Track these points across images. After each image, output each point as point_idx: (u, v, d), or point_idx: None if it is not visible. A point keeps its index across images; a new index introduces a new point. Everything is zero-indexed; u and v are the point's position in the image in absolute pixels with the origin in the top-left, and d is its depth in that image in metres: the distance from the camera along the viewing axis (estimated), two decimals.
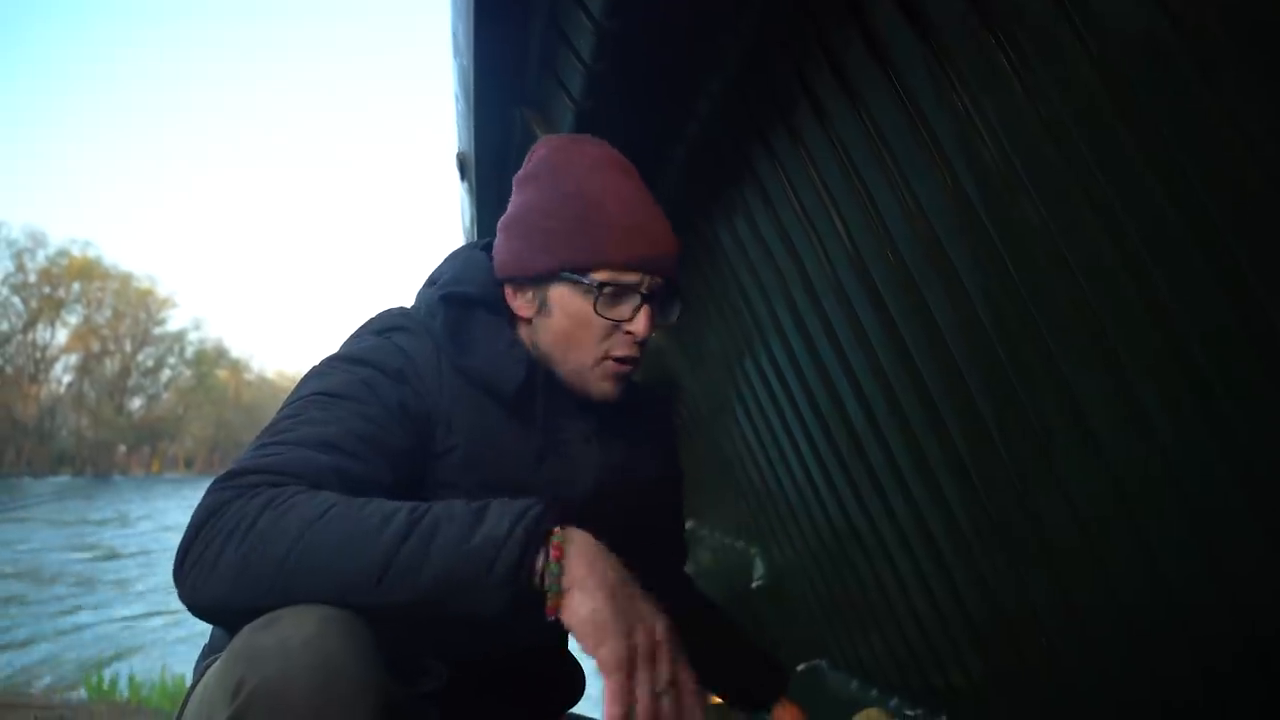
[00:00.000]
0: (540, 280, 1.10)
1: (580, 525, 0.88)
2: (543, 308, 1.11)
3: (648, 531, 1.29)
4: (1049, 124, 1.06)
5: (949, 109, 1.21)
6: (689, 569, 1.47)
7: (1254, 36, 0.83)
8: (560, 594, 0.84)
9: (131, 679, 5.50)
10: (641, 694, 0.82)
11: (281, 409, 1.00)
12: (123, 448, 61.81)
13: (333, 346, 1.12)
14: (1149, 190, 0.97)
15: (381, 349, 1.05)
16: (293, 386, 1.06)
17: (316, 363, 1.06)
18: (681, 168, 1.91)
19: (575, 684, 1.27)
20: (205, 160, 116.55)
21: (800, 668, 2.63)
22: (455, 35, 1.78)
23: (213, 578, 0.82)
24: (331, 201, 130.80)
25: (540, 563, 0.84)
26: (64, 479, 49.01)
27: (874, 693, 2.28)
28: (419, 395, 1.03)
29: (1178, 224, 0.95)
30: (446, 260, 1.21)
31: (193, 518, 0.86)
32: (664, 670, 0.84)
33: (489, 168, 2.26)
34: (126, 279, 60.62)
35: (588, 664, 1.32)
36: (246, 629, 0.79)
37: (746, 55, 1.56)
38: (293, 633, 0.76)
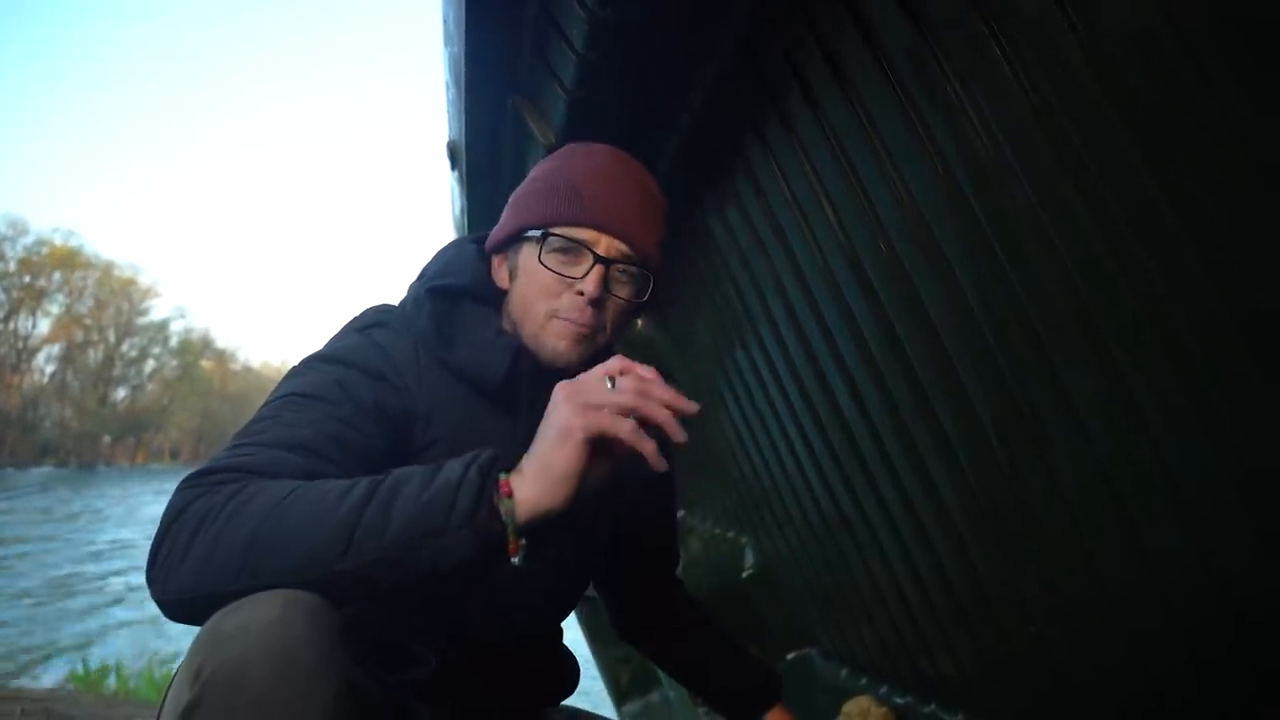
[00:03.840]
0: (509, 245, 1.13)
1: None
2: (513, 275, 1.13)
3: (636, 529, 1.29)
4: (1040, 113, 1.07)
5: (941, 98, 1.21)
6: (680, 560, 1.47)
7: (1243, 26, 0.83)
8: (518, 534, 0.84)
9: (119, 671, 5.49)
10: (628, 401, 0.84)
11: (259, 409, 1.01)
12: (107, 438, 61.45)
13: (319, 337, 1.13)
14: (1139, 179, 0.98)
15: (359, 347, 1.06)
16: (279, 377, 1.07)
17: (297, 363, 1.07)
18: (674, 157, 1.90)
19: (569, 675, 1.28)
20: (188, 149, 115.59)
21: (790, 656, 2.64)
22: (446, 22, 1.77)
23: (181, 569, 0.82)
24: (319, 191, 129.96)
25: (497, 500, 0.84)
26: (48, 469, 48.74)
27: (863, 681, 2.29)
28: (397, 392, 1.03)
29: (1167, 212, 0.96)
30: (437, 254, 1.22)
31: (162, 518, 0.86)
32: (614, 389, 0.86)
33: (480, 156, 2.25)
34: (108, 268, 60.18)
35: (582, 655, 1.33)
36: (214, 616, 0.79)
37: (739, 44, 1.55)
38: (254, 616, 0.76)
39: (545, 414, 0.88)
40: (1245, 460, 1.01)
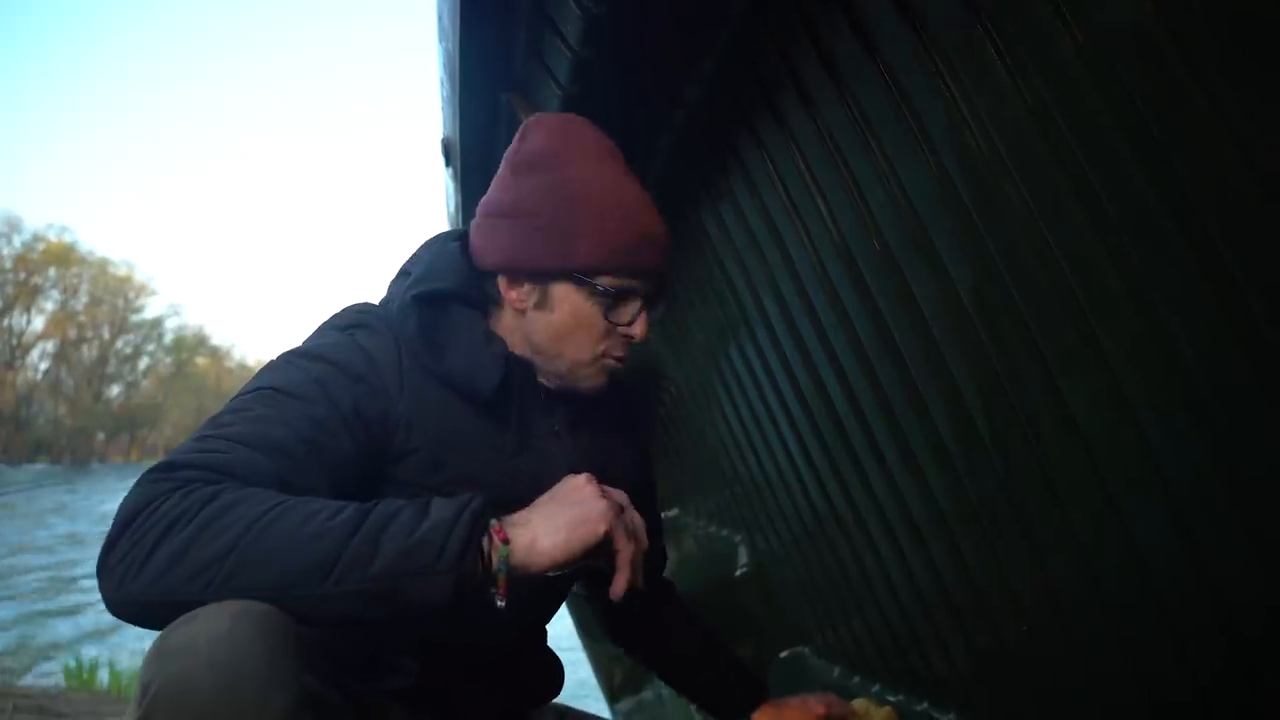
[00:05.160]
0: (545, 276, 1.09)
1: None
2: (543, 303, 1.09)
3: None
4: (1035, 112, 1.07)
5: (935, 97, 1.21)
6: (672, 557, 1.47)
7: (1238, 26, 0.83)
8: (508, 574, 0.87)
9: (111, 668, 5.48)
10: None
11: (233, 398, 0.98)
12: (101, 435, 61.34)
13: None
14: (1133, 179, 0.98)
15: (341, 346, 1.03)
16: None
17: (275, 356, 1.04)
18: (668, 154, 1.90)
19: (554, 677, 1.27)
20: (185, 146, 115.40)
21: (783, 655, 2.64)
22: (440, 19, 1.77)
23: (143, 572, 0.79)
24: (315, 188, 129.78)
25: (487, 545, 0.86)
26: (41, 466, 48.64)
27: (856, 679, 2.29)
28: (375, 395, 1.01)
29: (1161, 211, 0.96)
30: (419, 250, 1.18)
31: (123, 509, 0.82)
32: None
33: (474, 153, 2.24)
34: (103, 265, 60.05)
35: (566, 657, 1.33)
36: (167, 628, 0.77)
37: (734, 42, 1.55)
38: (204, 629, 0.74)
39: (579, 486, 0.95)
40: (1238, 461, 1.01)
